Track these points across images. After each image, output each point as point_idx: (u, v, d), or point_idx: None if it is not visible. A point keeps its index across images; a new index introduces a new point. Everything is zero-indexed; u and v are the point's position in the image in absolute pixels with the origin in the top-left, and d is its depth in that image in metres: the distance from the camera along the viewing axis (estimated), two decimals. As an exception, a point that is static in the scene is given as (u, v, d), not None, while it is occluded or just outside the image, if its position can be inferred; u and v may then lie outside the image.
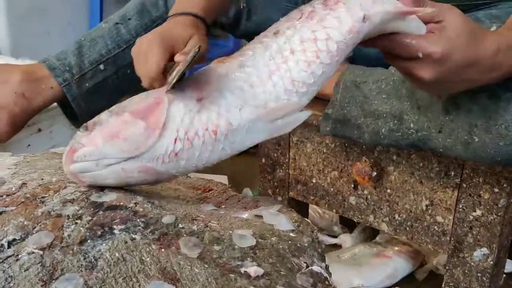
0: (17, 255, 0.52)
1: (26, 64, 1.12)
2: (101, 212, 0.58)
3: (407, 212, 1.09)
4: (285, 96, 0.64)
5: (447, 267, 1.07)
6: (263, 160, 1.30)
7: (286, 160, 1.25)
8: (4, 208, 0.58)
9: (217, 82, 0.64)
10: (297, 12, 0.69)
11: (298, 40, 0.64)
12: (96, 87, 1.14)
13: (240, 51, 0.68)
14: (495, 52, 0.71)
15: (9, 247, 0.53)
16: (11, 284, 0.49)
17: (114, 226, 0.56)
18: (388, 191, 1.11)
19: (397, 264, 1.22)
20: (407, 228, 1.10)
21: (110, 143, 0.61)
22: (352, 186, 1.16)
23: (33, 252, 0.52)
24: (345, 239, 1.34)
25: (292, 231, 0.62)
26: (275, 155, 1.27)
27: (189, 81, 0.65)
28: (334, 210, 1.21)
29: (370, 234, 1.37)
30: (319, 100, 1.15)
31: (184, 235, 0.57)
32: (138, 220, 0.57)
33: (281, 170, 1.27)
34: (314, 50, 0.64)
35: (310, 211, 1.39)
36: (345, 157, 1.14)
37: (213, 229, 0.59)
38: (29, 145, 1.17)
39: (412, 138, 0.94)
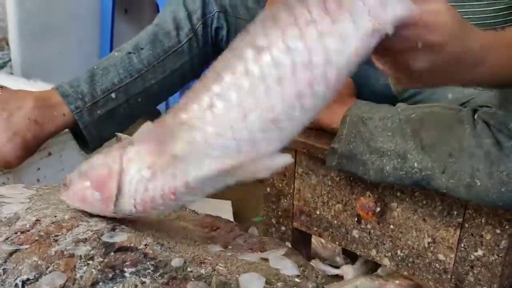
0: (31, 296, 0.53)
1: (38, 91, 1.14)
2: (112, 254, 0.59)
3: (409, 248, 1.10)
4: (257, 145, 0.55)
5: (447, 305, 1.08)
6: (268, 190, 1.31)
7: (291, 190, 1.26)
8: (19, 246, 0.59)
9: (172, 142, 0.58)
10: (286, 15, 0.54)
11: (289, 62, 0.53)
12: (108, 115, 1.16)
13: (210, 78, 0.56)
14: (479, 47, 0.71)
15: (23, 287, 0.55)
16: (24, 326, 0.51)
17: (125, 269, 0.57)
18: (391, 226, 1.12)
19: (398, 298, 1.22)
20: (409, 264, 1.12)
21: (81, 204, 0.67)
22: (356, 219, 1.17)
23: (46, 294, 0.53)
24: (347, 270, 1.35)
25: (298, 276, 0.63)
26: (280, 185, 1.28)
27: (144, 141, 0.61)
28: (337, 242, 1.23)
29: (372, 267, 1.37)
30: (325, 133, 1.17)
31: (192, 279, 0.59)
32: (148, 263, 0.59)
33: (286, 200, 1.28)
34: (307, 77, 0.53)
35: (313, 240, 1.40)
36: (350, 190, 1.16)
37: (220, 273, 0.61)
38: (39, 168, 1.19)
39: (416, 177, 0.96)
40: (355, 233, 1.18)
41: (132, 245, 0.61)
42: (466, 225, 1.01)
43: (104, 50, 2.22)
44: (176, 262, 0.60)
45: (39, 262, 0.57)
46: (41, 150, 1.18)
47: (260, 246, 0.70)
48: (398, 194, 1.09)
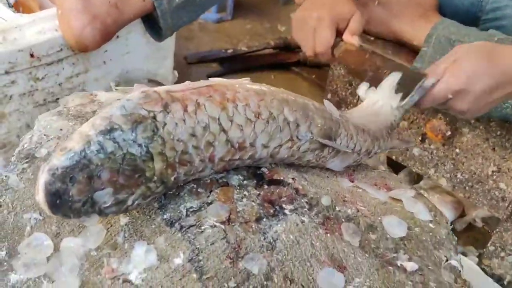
0: (200, 226, 0.54)
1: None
2: (265, 186, 0.60)
3: (470, 173, 1.13)
4: None
5: (497, 229, 1.14)
6: (329, 96, 1.31)
7: (354, 100, 1.26)
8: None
9: None
10: None
11: None
12: (184, 4, 1.10)
13: None
14: None
15: (187, 215, 0.55)
16: (200, 257, 0.52)
17: (284, 205, 0.58)
18: (457, 150, 1.14)
19: (442, 214, 1.28)
20: (467, 188, 1.15)
21: None
22: (420, 138, 1.19)
23: (215, 226, 0.54)
24: (391, 180, 1.39)
25: (431, 221, 0.65)
26: (344, 93, 1.27)
27: None
28: (394, 157, 1.25)
29: (415, 178, 1.42)
30: (404, 49, 1.15)
31: (343, 219, 0.60)
32: (302, 200, 0.59)
33: (347, 109, 1.28)
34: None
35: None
36: (420, 110, 1.16)
37: (364, 214, 0.62)
38: (106, 50, 1.15)
39: (506, 112, 0.96)
40: (416, 151, 1.20)
41: (281, 178, 0.62)
42: (536, 161, 1.04)
43: None
44: (325, 200, 0.61)
45: (199, 190, 0.57)
46: (110, 32, 1.13)
47: (382, 181, 0.71)
48: (472, 121, 1.09)
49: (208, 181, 0.59)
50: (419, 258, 0.60)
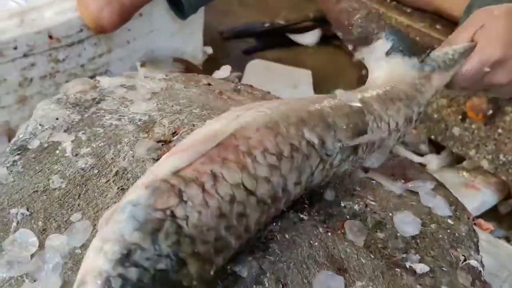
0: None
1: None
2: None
3: (514, 155, 1.05)
4: None
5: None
6: (364, 72, 1.24)
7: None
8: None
9: None
10: None
11: None
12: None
13: None
14: None
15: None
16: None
17: (281, 202, 0.54)
18: (499, 130, 1.06)
19: (485, 197, 1.20)
20: (510, 170, 1.07)
21: None
22: (460, 117, 1.11)
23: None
24: (431, 159, 1.32)
25: (450, 217, 0.59)
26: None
27: None
28: (432, 136, 1.18)
29: (456, 159, 1.34)
30: (442, 20, 1.07)
31: (347, 216, 0.56)
32: (303, 196, 0.55)
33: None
34: None
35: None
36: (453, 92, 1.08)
37: (374, 210, 0.57)
38: (129, 29, 1.13)
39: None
40: (456, 130, 1.12)
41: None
42: None
43: None
44: (328, 195, 0.56)
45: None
46: (133, 10, 1.10)
47: (400, 171, 0.66)
48: (516, 99, 1.01)
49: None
50: (432, 259, 0.54)
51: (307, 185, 0.51)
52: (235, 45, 1.74)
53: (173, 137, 0.59)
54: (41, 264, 0.50)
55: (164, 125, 0.61)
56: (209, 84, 0.74)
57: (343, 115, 0.54)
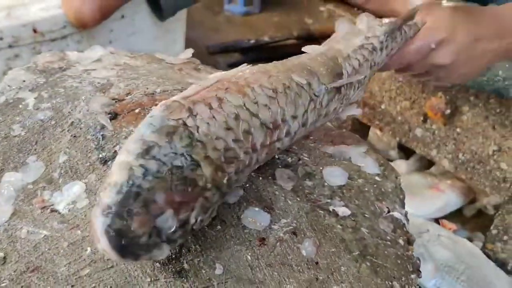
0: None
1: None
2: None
3: (472, 153, 1.10)
4: None
5: (499, 212, 1.10)
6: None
7: (358, 81, 1.25)
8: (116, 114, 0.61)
9: None
10: None
11: None
12: (184, -17, 1.14)
13: None
14: (494, 20, 0.78)
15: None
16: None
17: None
18: (458, 130, 1.11)
19: (449, 199, 1.24)
20: (468, 168, 1.12)
21: None
22: (422, 118, 1.16)
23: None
24: (401, 165, 1.37)
25: (378, 175, 0.64)
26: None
27: None
28: (397, 138, 1.23)
29: (425, 164, 1.39)
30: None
31: (280, 166, 0.61)
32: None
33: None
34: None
35: (370, 132, 1.41)
36: (421, 89, 1.14)
37: (306, 163, 0.62)
38: (111, 30, 1.20)
39: (498, 86, 0.94)
40: (418, 131, 1.18)
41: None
42: (537, 139, 1.00)
43: None
44: (264, 148, 0.62)
45: (136, 133, 0.59)
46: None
47: (340, 140, 0.71)
48: (472, 98, 1.06)
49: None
50: (356, 206, 0.59)
51: (303, 121, 0.58)
52: (221, 59, 1.82)
53: (127, 96, 0.65)
54: (-4, 197, 0.55)
55: (120, 87, 0.67)
56: (171, 64, 0.80)
57: (320, 63, 0.61)
